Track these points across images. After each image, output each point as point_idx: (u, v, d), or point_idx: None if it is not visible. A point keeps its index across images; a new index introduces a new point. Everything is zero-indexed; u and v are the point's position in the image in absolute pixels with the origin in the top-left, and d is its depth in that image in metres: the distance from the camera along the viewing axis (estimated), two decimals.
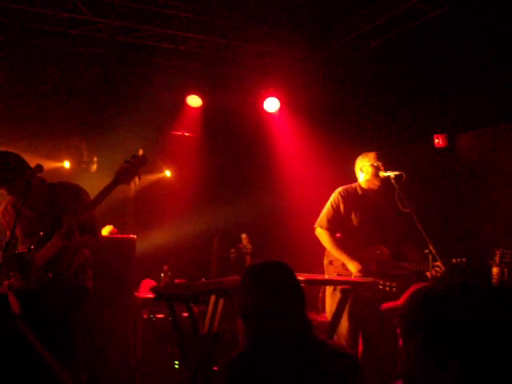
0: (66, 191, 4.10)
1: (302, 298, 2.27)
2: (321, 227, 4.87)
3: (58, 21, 6.09)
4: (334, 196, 4.90)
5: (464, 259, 4.28)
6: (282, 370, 2.08)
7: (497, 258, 4.16)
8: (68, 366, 3.73)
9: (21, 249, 3.99)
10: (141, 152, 3.89)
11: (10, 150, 4.01)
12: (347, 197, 4.87)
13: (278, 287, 2.23)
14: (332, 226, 4.84)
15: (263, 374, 2.07)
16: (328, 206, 4.90)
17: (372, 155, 4.84)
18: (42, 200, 4.06)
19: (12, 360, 1.12)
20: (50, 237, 3.85)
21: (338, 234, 4.87)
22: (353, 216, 4.84)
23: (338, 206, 4.85)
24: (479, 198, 6.29)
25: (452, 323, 1.23)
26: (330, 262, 4.84)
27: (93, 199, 3.89)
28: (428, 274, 4.35)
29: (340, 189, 4.93)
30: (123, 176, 3.82)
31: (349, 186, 4.96)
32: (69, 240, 3.79)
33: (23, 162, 4.00)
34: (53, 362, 1.15)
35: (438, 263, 4.25)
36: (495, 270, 4.10)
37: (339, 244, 4.78)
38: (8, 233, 4.16)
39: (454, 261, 4.27)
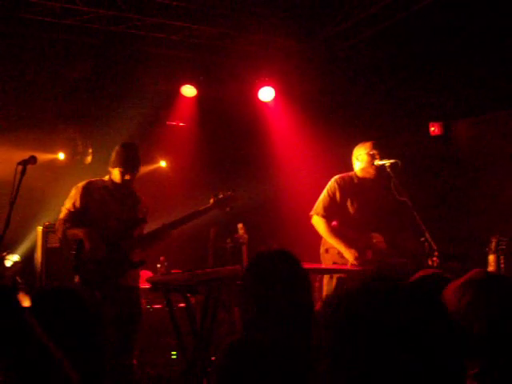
0: (146, 203, 4.63)
1: (307, 287, 2.29)
2: (317, 215, 4.87)
3: (50, 11, 6.04)
4: (331, 184, 4.90)
5: (460, 250, 4.28)
6: (285, 358, 2.08)
7: (493, 246, 4.16)
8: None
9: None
10: (231, 192, 4.54)
11: (3, 141, 4.11)
12: (343, 185, 4.87)
13: (285, 275, 2.24)
14: (328, 214, 4.83)
15: (265, 361, 2.07)
16: (324, 193, 4.90)
17: (368, 144, 4.84)
18: (131, 198, 4.51)
19: (17, 357, 1.10)
20: (130, 231, 4.32)
21: (335, 222, 4.87)
22: (349, 204, 4.84)
23: (334, 194, 4.85)
24: (475, 185, 6.29)
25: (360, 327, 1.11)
26: (326, 251, 4.85)
27: (184, 217, 4.41)
28: (424, 262, 4.35)
29: (336, 177, 4.93)
30: (219, 205, 4.47)
31: (345, 174, 4.96)
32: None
33: None
34: (62, 361, 1.14)
35: (435, 252, 4.25)
36: (491, 257, 4.10)
37: (335, 232, 4.78)
38: (76, 204, 4.37)
39: (450, 251, 4.27)
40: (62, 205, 4.49)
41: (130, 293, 4.30)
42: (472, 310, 1.77)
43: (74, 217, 4.34)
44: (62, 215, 4.40)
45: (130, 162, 4.42)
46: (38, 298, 2.12)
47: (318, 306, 5.26)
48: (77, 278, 4.19)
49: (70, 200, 4.41)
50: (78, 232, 4.23)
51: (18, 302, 1.14)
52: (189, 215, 4.43)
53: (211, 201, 4.49)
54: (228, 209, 4.54)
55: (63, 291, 2.27)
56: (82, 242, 4.18)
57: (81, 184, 4.47)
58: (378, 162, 4.70)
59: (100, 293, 3.95)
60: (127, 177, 4.41)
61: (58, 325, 1.92)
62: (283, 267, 2.27)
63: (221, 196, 4.49)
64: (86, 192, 4.40)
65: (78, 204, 4.37)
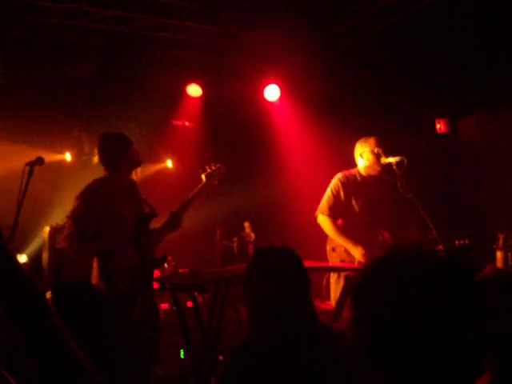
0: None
1: (307, 284, 2.27)
2: (322, 214, 4.87)
3: (56, 12, 6.06)
4: (334, 182, 4.89)
5: (467, 241, 4.27)
6: (289, 357, 2.08)
7: (500, 242, 4.16)
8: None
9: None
10: (220, 164, 4.56)
11: (10, 142, 4.07)
12: (347, 183, 4.86)
13: (284, 273, 2.23)
14: (333, 213, 4.84)
15: (269, 361, 2.07)
16: (328, 192, 4.90)
17: (372, 141, 4.82)
18: (134, 193, 4.32)
19: (44, 359, 1.11)
20: (142, 230, 4.14)
21: (340, 221, 4.87)
22: (353, 202, 4.84)
23: (338, 193, 4.85)
24: (482, 182, 6.27)
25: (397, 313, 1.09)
26: (333, 249, 4.85)
27: (187, 200, 4.46)
28: None
29: (339, 175, 4.92)
30: (212, 179, 4.49)
31: (348, 171, 4.95)
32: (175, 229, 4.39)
33: None
34: (88, 364, 1.14)
35: (439, 247, 4.25)
36: (499, 254, 4.10)
37: (341, 230, 4.78)
38: (84, 213, 3.93)
39: (456, 243, 4.26)
40: (67, 215, 4.03)
41: (153, 293, 4.23)
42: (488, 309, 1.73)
43: (85, 228, 3.90)
44: (71, 228, 3.89)
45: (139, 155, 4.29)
46: (54, 293, 2.13)
47: (327, 304, 5.26)
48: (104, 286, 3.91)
49: (77, 210, 3.95)
50: (102, 243, 3.91)
51: (46, 305, 1.14)
52: (191, 198, 4.46)
53: (203, 177, 4.50)
54: (216, 182, 4.55)
55: (79, 286, 2.29)
56: (110, 253, 3.88)
57: (84, 190, 4.04)
58: (384, 160, 4.68)
59: (140, 299, 3.90)
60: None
61: (73, 319, 1.93)
62: (284, 264, 2.27)
63: (209, 170, 4.50)
64: (92, 198, 4.00)
65: (86, 213, 3.93)
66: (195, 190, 4.49)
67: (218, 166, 4.53)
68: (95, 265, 3.97)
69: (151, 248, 4.20)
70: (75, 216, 3.92)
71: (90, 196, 4.00)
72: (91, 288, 2.36)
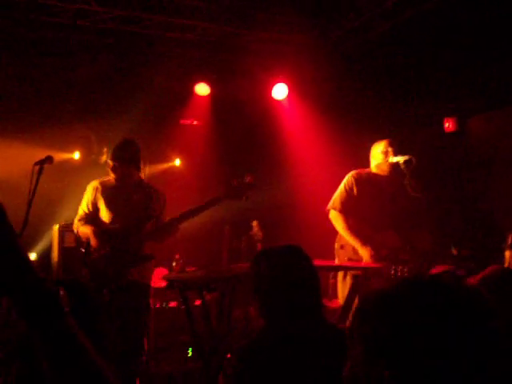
0: (159, 195, 4.62)
1: (317, 283, 2.27)
2: (334, 209, 4.86)
3: (64, 12, 6.08)
4: (347, 179, 4.90)
5: (473, 251, 4.26)
6: (296, 356, 2.08)
7: (509, 242, 4.13)
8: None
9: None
10: (249, 178, 4.28)
11: (19, 141, 4.21)
12: (360, 180, 4.87)
13: (294, 272, 2.22)
14: (345, 209, 4.83)
15: (277, 360, 2.08)
16: (341, 188, 4.89)
17: (384, 142, 4.84)
18: (140, 194, 4.53)
19: (58, 359, 1.10)
20: (138, 227, 4.37)
21: (350, 218, 4.87)
22: (365, 200, 4.84)
23: (351, 189, 4.85)
24: (491, 181, 6.25)
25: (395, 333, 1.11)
26: (341, 247, 4.84)
27: (190, 210, 4.27)
28: (437, 259, 4.34)
29: (353, 172, 4.94)
30: (233, 193, 4.20)
31: (361, 169, 4.97)
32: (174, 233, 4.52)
33: None
34: (102, 363, 1.14)
35: (453, 251, 4.24)
36: (507, 253, 4.08)
37: (352, 228, 4.77)
38: (88, 204, 4.55)
39: (464, 252, 4.25)
40: (79, 204, 4.68)
41: (136, 288, 4.31)
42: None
43: (86, 216, 4.54)
44: (77, 215, 4.61)
45: (116, 153, 4.43)
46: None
47: (334, 303, 5.26)
48: (86, 274, 4.29)
49: (84, 200, 4.60)
50: (87, 230, 4.39)
51: (59, 305, 1.13)
52: (195, 209, 4.23)
53: (222, 190, 4.26)
54: (245, 198, 4.22)
55: (69, 282, 2.31)
56: (88, 241, 4.37)
57: (91, 184, 4.61)
58: (392, 159, 4.69)
59: (107, 288, 4.12)
60: (116, 167, 4.41)
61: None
62: (292, 263, 2.26)
63: (235, 184, 4.22)
64: (96, 192, 4.55)
65: (89, 204, 4.55)
66: (204, 203, 4.26)
67: (247, 180, 4.25)
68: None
69: (139, 245, 4.34)
70: (81, 204, 4.61)
71: (92, 189, 4.56)
72: (82, 286, 2.38)
